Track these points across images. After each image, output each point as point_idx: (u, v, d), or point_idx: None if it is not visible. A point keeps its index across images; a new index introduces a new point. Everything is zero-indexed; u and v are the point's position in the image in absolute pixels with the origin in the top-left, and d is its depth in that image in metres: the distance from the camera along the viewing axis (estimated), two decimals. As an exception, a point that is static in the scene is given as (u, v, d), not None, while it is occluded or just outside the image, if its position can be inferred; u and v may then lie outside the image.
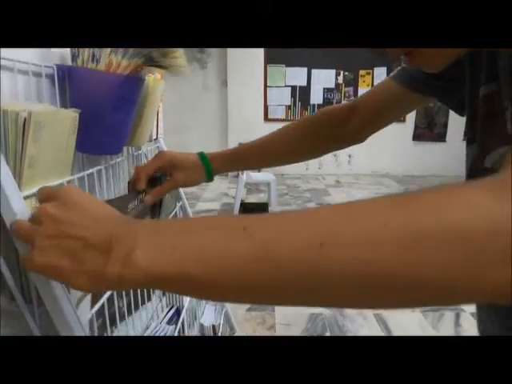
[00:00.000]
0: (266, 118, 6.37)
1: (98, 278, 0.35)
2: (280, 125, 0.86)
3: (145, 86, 0.73)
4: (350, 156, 6.62)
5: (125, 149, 0.78)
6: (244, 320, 2.28)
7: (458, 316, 2.31)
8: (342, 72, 6.33)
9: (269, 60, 6.26)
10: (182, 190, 1.06)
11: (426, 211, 0.28)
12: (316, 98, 6.40)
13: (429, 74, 0.63)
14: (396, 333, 2.14)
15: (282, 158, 0.87)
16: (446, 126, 6.31)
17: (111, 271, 0.34)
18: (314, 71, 6.33)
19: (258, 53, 6.18)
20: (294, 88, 6.40)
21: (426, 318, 2.30)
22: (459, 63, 0.49)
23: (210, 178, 0.80)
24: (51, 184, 0.52)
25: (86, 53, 0.63)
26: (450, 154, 5.88)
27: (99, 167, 0.70)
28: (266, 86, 6.37)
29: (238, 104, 6.32)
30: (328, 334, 2.10)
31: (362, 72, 6.30)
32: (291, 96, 6.42)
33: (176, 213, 1.01)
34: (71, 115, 0.54)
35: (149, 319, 0.83)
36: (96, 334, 0.60)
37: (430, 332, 2.15)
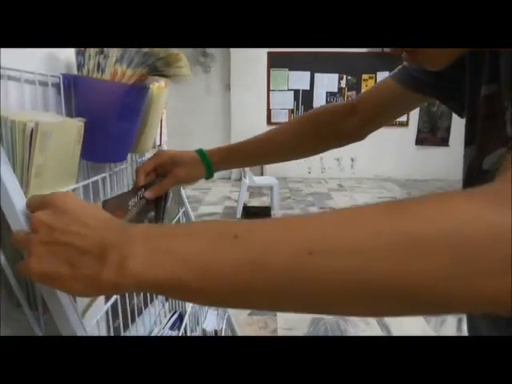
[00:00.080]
0: (269, 122, 6.39)
1: (93, 284, 0.35)
2: (283, 128, 0.86)
3: (149, 94, 0.74)
4: (352, 160, 6.63)
5: (129, 156, 0.79)
6: (246, 324, 2.29)
7: (460, 321, 2.31)
8: (344, 76, 6.34)
9: (272, 64, 6.28)
10: (184, 196, 1.06)
11: (419, 220, 0.28)
12: (319, 101, 6.41)
13: (429, 74, 0.63)
14: (398, 338, 2.14)
15: (282, 155, 0.87)
16: (448, 130, 6.30)
17: (106, 277, 0.34)
18: (317, 75, 6.35)
19: (261, 57, 6.20)
20: (296, 92, 6.41)
21: (428, 324, 2.29)
22: (460, 64, 0.49)
23: (209, 174, 0.80)
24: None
25: (91, 62, 0.64)
26: (452, 158, 5.87)
27: (104, 174, 0.70)
28: (268, 90, 6.39)
29: (241, 108, 6.34)
30: (330, 338, 2.10)
31: (364, 76, 6.31)
32: (294, 100, 6.44)
33: (179, 218, 1.01)
34: (77, 124, 0.55)
35: (152, 325, 0.84)
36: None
37: (432, 337, 2.15)
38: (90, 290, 0.36)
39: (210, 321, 1.11)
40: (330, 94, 6.41)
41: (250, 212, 4.57)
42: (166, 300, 0.93)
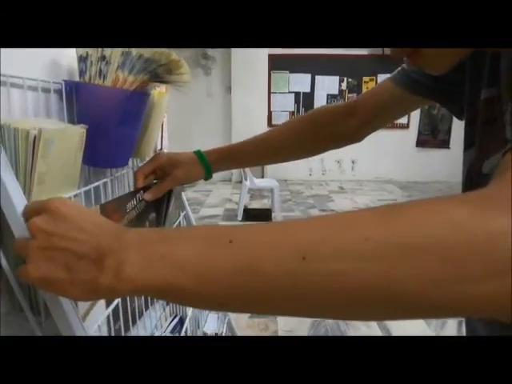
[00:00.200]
0: (270, 124, 6.39)
1: (91, 288, 0.36)
2: (284, 131, 0.85)
3: (150, 99, 0.75)
4: (353, 162, 6.63)
5: (130, 160, 0.80)
6: (247, 326, 2.29)
7: (460, 324, 2.31)
8: (345, 78, 6.35)
9: (273, 66, 6.29)
10: (185, 199, 1.07)
11: (407, 226, 0.29)
12: (320, 104, 6.41)
13: (429, 76, 0.64)
14: (398, 341, 2.14)
15: (281, 155, 0.87)
16: (449, 132, 6.30)
17: (103, 282, 0.35)
18: (318, 77, 6.36)
19: (262, 59, 6.21)
20: (297, 94, 6.42)
21: (429, 326, 2.30)
22: (460, 67, 0.50)
23: (208, 174, 0.80)
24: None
25: (93, 68, 0.65)
26: (453, 160, 5.86)
27: (105, 180, 0.71)
28: (269, 92, 6.40)
29: (241, 110, 6.34)
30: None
31: (365, 78, 6.32)
32: (295, 102, 6.45)
33: (180, 222, 1.02)
34: (79, 131, 0.56)
35: (152, 328, 0.85)
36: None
37: (432, 340, 2.15)
38: (87, 294, 0.37)
39: (211, 324, 1.11)
40: (330, 97, 6.42)
41: (250, 214, 4.57)
42: (167, 304, 0.94)
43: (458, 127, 6.00)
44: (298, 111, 6.45)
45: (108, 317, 0.61)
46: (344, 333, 2.23)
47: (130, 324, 0.74)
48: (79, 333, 0.45)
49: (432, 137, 6.46)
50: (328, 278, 0.29)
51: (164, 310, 0.91)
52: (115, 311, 0.66)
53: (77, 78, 0.66)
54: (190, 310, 0.96)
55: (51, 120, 0.61)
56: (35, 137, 0.47)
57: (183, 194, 1.03)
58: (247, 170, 4.12)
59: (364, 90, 6.33)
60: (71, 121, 0.64)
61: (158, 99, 0.79)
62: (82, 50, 0.65)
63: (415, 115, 6.23)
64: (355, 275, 0.29)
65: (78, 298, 0.38)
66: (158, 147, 0.98)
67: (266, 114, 6.43)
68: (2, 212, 0.44)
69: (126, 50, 0.64)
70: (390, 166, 6.60)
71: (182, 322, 0.94)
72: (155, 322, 0.87)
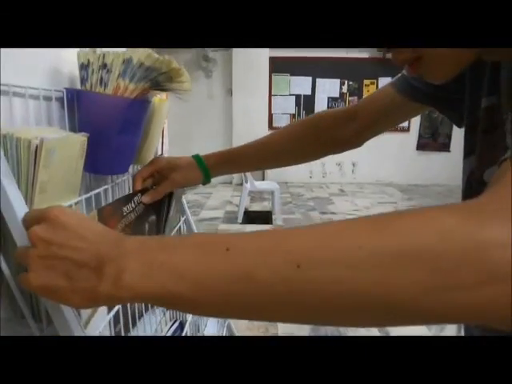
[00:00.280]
0: (271, 127, 6.40)
1: (91, 296, 0.36)
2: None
3: (151, 107, 0.75)
4: (354, 165, 6.64)
5: (130, 167, 0.80)
6: (247, 329, 2.29)
7: (460, 327, 2.30)
8: (346, 81, 6.36)
9: (274, 69, 6.30)
10: (185, 204, 1.07)
11: (399, 235, 0.30)
12: (320, 106, 6.43)
13: (429, 84, 0.63)
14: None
15: (280, 159, 0.87)
16: (449, 136, 6.31)
17: (103, 290, 0.35)
18: (319, 80, 6.37)
19: (263, 61, 6.22)
20: (298, 97, 6.44)
21: (429, 330, 2.30)
22: (460, 76, 0.51)
23: (206, 178, 0.80)
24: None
25: (94, 76, 0.66)
26: (453, 163, 5.86)
27: (106, 186, 0.72)
28: (270, 95, 6.41)
29: (242, 112, 6.35)
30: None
31: (366, 81, 6.33)
32: (296, 105, 6.46)
33: (180, 227, 1.02)
34: (80, 139, 0.56)
35: (153, 333, 0.85)
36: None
37: (432, 344, 2.15)
38: (87, 302, 0.37)
39: (211, 328, 1.12)
40: (331, 99, 6.43)
41: (251, 217, 4.58)
42: (167, 309, 0.94)
43: (458, 131, 5.92)
44: (299, 114, 6.46)
45: (109, 322, 0.61)
46: (343, 333, 2.23)
47: (130, 327, 0.75)
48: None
49: (432, 140, 6.46)
50: (322, 285, 0.30)
51: (164, 314, 0.91)
52: (116, 316, 0.67)
53: (78, 86, 0.67)
54: (189, 315, 0.97)
55: (53, 128, 0.61)
56: (37, 146, 0.48)
57: (183, 197, 1.03)
58: (247, 172, 4.12)
59: (365, 92, 6.34)
60: (73, 128, 0.65)
61: (158, 106, 0.80)
62: (84, 58, 0.66)
63: (416, 118, 6.23)
64: (348, 283, 0.30)
65: (78, 305, 0.38)
66: (159, 153, 0.98)
67: (267, 116, 6.44)
68: (3, 218, 0.45)
69: (127, 57, 0.65)
70: (391, 168, 6.60)
71: (182, 326, 0.95)
72: (155, 326, 0.87)
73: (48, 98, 0.63)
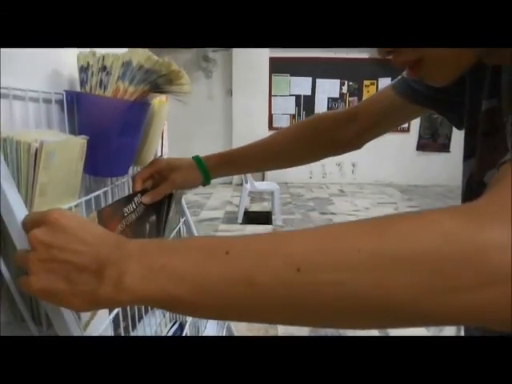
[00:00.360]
0: (271, 127, 6.41)
1: (91, 299, 0.36)
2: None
3: (151, 109, 0.75)
4: (353, 165, 6.64)
5: (130, 169, 0.81)
6: (247, 330, 2.29)
7: (459, 327, 2.31)
8: (346, 82, 6.37)
9: (273, 69, 6.31)
10: (185, 206, 1.07)
11: (398, 238, 0.30)
12: (320, 107, 6.44)
13: (429, 86, 0.64)
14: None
15: (280, 161, 0.87)
16: (449, 136, 6.32)
17: (104, 293, 0.35)
18: (319, 81, 6.38)
19: (263, 62, 6.23)
20: (298, 97, 6.44)
21: (428, 330, 2.30)
22: (460, 79, 0.51)
23: (206, 180, 0.80)
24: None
25: (94, 79, 0.66)
26: (453, 164, 5.87)
27: (105, 188, 0.72)
28: (270, 95, 6.42)
29: (242, 113, 6.36)
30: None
31: (366, 82, 6.34)
32: (296, 105, 6.47)
33: (180, 228, 1.03)
34: (80, 142, 0.56)
35: (152, 335, 0.85)
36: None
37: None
38: (88, 305, 0.37)
39: (211, 329, 1.12)
40: (331, 100, 6.44)
41: (251, 217, 4.58)
42: (167, 311, 0.94)
43: (458, 131, 5.95)
44: (299, 114, 6.47)
45: (109, 324, 0.61)
46: (342, 334, 2.23)
47: (130, 329, 0.75)
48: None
49: (432, 141, 6.47)
50: (322, 288, 0.30)
51: (164, 316, 0.91)
52: (115, 318, 0.67)
53: (78, 88, 0.67)
54: (189, 316, 0.97)
55: (52, 131, 0.61)
56: (37, 149, 0.48)
57: (184, 197, 1.03)
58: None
59: (365, 93, 6.35)
60: (72, 131, 0.65)
61: (158, 108, 0.80)
62: (83, 60, 0.66)
63: (416, 119, 6.23)
64: (348, 286, 0.30)
65: (79, 308, 0.38)
66: (159, 154, 0.98)
67: (267, 116, 6.45)
68: (3, 222, 0.45)
69: (127, 60, 0.65)
70: (391, 169, 6.61)
71: (181, 327, 0.95)
72: (155, 328, 0.88)
73: (48, 101, 0.63)
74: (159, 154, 0.99)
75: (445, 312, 0.29)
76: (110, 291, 0.35)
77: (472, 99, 0.57)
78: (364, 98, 6.33)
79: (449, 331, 2.30)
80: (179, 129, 5.99)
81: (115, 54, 0.65)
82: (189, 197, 5.46)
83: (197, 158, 0.80)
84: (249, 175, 4.25)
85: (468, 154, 0.58)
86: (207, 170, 0.79)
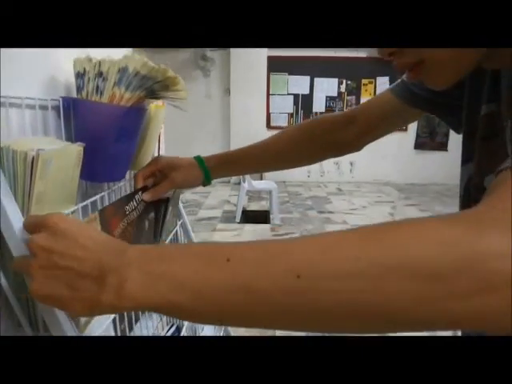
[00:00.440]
0: (269, 126, 6.41)
1: (93, 306, 0.37)
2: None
3: (147, 114, 0.76)
4: (351, 164, 6.65)
5: (127, 173, 0.81)
6: (245, 331, 2.30)
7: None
8: (344, 81, 6.37)
9: (271, 68, 6.30)
10: (182, 209, 1.08)
11: (398, 246, 0.30)
12: (318, 106, 6.44)
13: (428, 90, 0.64)
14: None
15: (280, 162, 0.88)
16: (447, 135, 6.33)
17: (105, 300, 0.36)
18: (317, 80, 6.37)
19: (261, 61, 6.22)
20: (296, 96, 6.44)
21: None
22: (459, 83, 0.51)
23: (207, 180, 0.81)
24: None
25: (90, 85, 0.66)
26: (451, 162, 5.88)
27: (102, 193, 0.72)
28: (268, 94, 6.42)
29: (240, 112, 6.36)
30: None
31: (364, 81, 6.34)
32: (294, 104, 6.47)
33: (177, 231, 1.03)
34: (76, 149, 0.57)
35: (149, 337, 0.86)
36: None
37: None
38: (89, 311, 0.38)
39: (208, 333, 1.12)
40: (329, 99, 6.44)
41: (249, 216, 4.59)
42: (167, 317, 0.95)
43: (456, 129, 6.01)
44: (297, 113, 6.47)
45: (106, 328, 0.62)
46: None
47: (127, 332, 0.75)
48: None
49: (430, 139, 6.48)
50: (322, 295, 0.31)
51: (161, 319, 0.92)
52: (113, 322, 0.67)
53: (74, 94, 0.67)
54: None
55: (49, 138, 0.62)
56: (33, 158, 0.48)
57: (181, 196, 1.04)
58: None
59: (363, 92, 6.35)
60: (69, 137, 0.65)
61: (155, 112, 0.80)
62: (80, 67, 0.66)
63: (413, 117, 6.24)
64: (348, 293, 0.30)
65: (80, 313, 0.39)
66: (155, 157, 0.99)
67: (265, 115, 6.45)
68: (0, 231, 0.45)
69: (123, 66, 0.65)
70: (389, 168, 6.62)
71: (178, 331, 0.96)
72: (152, 330, 0.88)
73: (44, 107, 0.63)
74: (156, 157, 0.99)
75: (444, 318, 0.29)
76: (111, 298, 0.36)
77: (471, 103, 0.57)
78: (362, 96, 6.34)
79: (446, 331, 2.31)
80: (177, 128, 5.98)
81: (111, 60, 0.65)
82: (187, 196, 5.46)
83: (198, 158, 0.80)
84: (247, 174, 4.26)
85: (466, 159, 0.58)
86: (208, 170, 0.80)
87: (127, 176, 0.82)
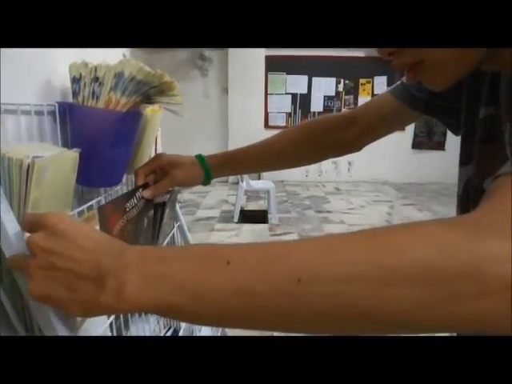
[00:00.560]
0: (267, 126, 6.41)
1: (92, 307, 0.37)
2: (280, 132, 0.87)
3: (143, 118, 0.76)
4: (349, 163, 6.65)
5: (124, 177, 0.81)
6: (242, 331, 2.30)
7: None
8: (342, 80, 6.37)
9: (269, 68, 6.30)
10: (179, 211, 1.08)
11: (396, 250, 0.31)
12: (316, 105, 6.44)
13: (427, 92, 0.64)
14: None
15: (280, 163, 0.88)
16: (444, 134, 6.34)
17: (104, 302, 0.36)
18: (315, 79, 6.37)
19: (259, 60, 6.22)
20: (294, 95, 6.44)
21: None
22: (458, 85, 0.50)
23: (207, 178, 0.81)
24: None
25: (86, 90, 0.66)
26: (448, 162, 5.88)
27: (99, 198, 0.72)
28: (266, 94, 6.41)
29: (238, 111, 6.35)
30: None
31: (362, 80, 6.34)
32: (292, 103, 6.47)
33: (174, 234, 1.03)
34: (72, 155, 0.57)
35: (146, 341, 0.86)
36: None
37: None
38: (88, 312, 0.38)
39: (206, 334, 1.12)
40: (327, 98, 6.44)
41: (247, 216, 4.59)
42: (161, 317, 0.95)
43: (453, 129, 6.02)
44: (295, 112, 6.47)
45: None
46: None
47: (123, 329, 0.75)
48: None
49: (428, 139, 6.49)
50: (321, 299, 0.31)
51: (158, 323, 0.92)
52: (109, 324, 0.67)
53: (70, 99, 0.67)
54: (183, 323, 0.97)
55: (45, 145, 0.62)
56: (29, 165, 0.48)
57: (179, 196, 1.04)
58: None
59: (360, 91, 6.36)
60: (65, 142, 0.65)
61: (151, 116, 0.80)
62: (76, 71, 0.66)
63: (411, 117, 6.24)
64: (347, 297, 0.31)
65: (79, 314, 0.39)
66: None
67: (263, 115, 6.44)
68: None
69: (119, 71, 0.65)
70: (386, 167, 6.63)
71: (176, 333, 0.96)
72: (149, 334, 0.88)
73: (40, 113, 0.63)
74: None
75: (444, 322, 0.30)
76: (110, 300, 0.36)
77: (469, 106, 0.58)
78: (360, 96, 6.34)
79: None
80: (175, 127, 5.97)
81: (107, 65, 0.65)
82: (185, 195, 5.46)
83: (199, 157, 0.80)
84: (245, 174, 4.26)
85: (465, 160, 0.59)
86: (209, 169, 0.80)
87: (124, 180, 0.82)
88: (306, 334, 0.35)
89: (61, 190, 0.57)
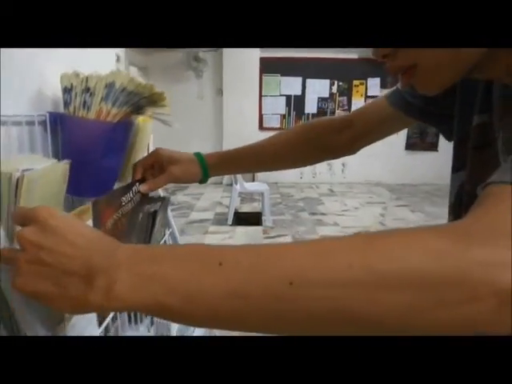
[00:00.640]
0: (261, 127, 6.41)
1: (80, 304, 0.37)
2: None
3: (134, 127, 0.76)
4: (343, 165, 6.67)
5: (114, 185, 0.81)
6: (238, 332, 2.30)
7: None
8: (336, 82, 6.39)
9: (264, 69, 6.30)
10: (171, 218, 1.08)
11: (388, 255, 0.31)
12: (310, 107, 6.46)
13: (421, 99, 0.65)
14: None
15: (275, 163, 0.89)
16: (437, 135, 6.36)
17: (93, 300, 0.36)
18: (309, 81, 6.39)
19: (254, 62, 6.22)
20: (288, 97, 6.45)
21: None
22: (451, 92, 0.51)
23: (205, 176, 0.81)
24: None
25: (77, 100, 0.66)
26: (441, 163, 5.92)
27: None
28: (260, 95, 6.42)
29: (232, 113, 6.35)
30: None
31: (355, 82, 6.36)
32: (286, 105, 6.47)
33: (165, 241, 1.03)
34: (62, 167, 0.57)
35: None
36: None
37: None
38: (76, 309, 0.37)
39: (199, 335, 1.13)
40: (321, 100, 6.45)
41: (241, 218, 4.59)
42: (152, 324, 0.95)
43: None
44: (289, 114, 6.48)
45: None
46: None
47: (111, 327, 0.75)
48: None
49: (420, 140, 6.52)
50: (314, 302, 0.31)
51: (148, 331, 0.92)
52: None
53: (61, 109, 0.67)
54: (175, 329, 0.98)
55: (35, 156, 0.62)
56: (18, 179, 0.48)
57: (173, 199, 1.04)
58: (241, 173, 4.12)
59: (354, 93, 6.38)
60: (56, 152, 0.65)
61: (142, 126, 0.81)
62: (67, 81, 0.67)
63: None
64: (340, 300, 0.31)
65: (67, 311, 0.39)
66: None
67: (257, 116, 6.45)
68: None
69: (110, 81, 0.66)
70: (380, 168, 6.65)
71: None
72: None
73: (31, 123, 0.63)
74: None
75: (434, 326, 0.31)
76: (99, 299, 0.35)
77: (463, 113, 0.58)
78: (353, 97, 6.36)
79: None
80: (169, 128, 5.95)
81: (98, 76, 0.66)
82: (178, 198, 5.45)
83: (198, 155, 0.81)
84: (239, 176, 4.25)
85: (457, 167, 0.59)
86: (207, 167, 0.80)
87: (115, 187, 0.82)
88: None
89: (51, 202, 0.57)
